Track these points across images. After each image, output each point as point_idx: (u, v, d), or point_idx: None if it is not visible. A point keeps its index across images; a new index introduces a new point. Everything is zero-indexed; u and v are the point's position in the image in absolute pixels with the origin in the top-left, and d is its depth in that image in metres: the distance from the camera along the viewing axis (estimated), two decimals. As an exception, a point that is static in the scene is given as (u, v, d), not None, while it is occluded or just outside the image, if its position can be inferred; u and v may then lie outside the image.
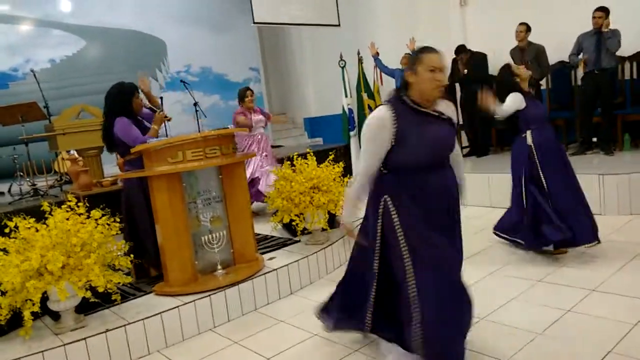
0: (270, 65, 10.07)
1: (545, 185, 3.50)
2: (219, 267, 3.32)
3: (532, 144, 3.55)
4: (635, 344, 2.29)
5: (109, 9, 8.07)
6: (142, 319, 2.81)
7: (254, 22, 7.11)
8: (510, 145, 3.81)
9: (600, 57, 5.37)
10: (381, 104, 2.17)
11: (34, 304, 2.55)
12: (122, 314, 2.90)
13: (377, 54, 7.13)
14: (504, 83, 3.67)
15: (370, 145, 2.12)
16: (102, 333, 2.68)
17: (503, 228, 3.83)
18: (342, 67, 7.49)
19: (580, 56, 5.52)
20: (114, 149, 3.57)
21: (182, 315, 2.94)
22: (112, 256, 2.81)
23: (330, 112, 8.65)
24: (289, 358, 2.59)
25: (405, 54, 6.88)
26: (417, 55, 2.13)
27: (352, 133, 7.43)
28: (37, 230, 2.66)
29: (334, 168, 3.91)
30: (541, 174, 3.51)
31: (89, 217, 2.78)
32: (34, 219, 2.70)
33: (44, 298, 2.67)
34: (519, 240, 3.69)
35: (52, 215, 2.71)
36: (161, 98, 5.76)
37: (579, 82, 5.95)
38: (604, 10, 5.28)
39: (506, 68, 3.69)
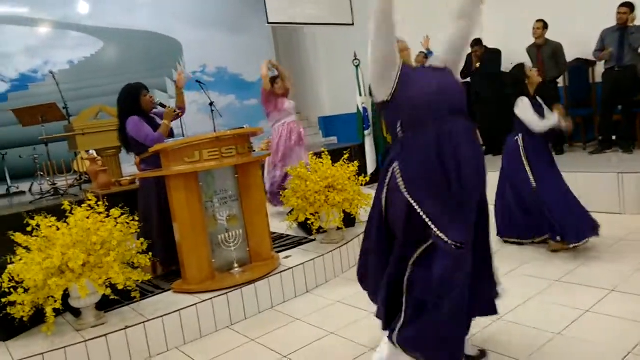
0: (284, 65, 10.02)
1: (534, 185, 3.59)
2: (236, 265, 3.35)
3: (521, 145, 3.66)
4: (656, 344, 2.26)
5: (126, 10, 8.18)
6: (161, 316, 2.85)
7: (268, 22, 7.14)
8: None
9: (623, 54, 5.27)
10: None
11: (55, 301, 2.60)
12: (141, 311, 2.95)
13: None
14: (513, 81, 3.71)
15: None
16: (121, 330, 2.73)
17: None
18: (357, 66, 7.49)
19: (604, 54, 5.39)
20: (129, 148, 3.63)
21: (200, 313, 2.98)
22: (131, 254, 2.86)
23: (344, 111, 8.65)
24: (305, 356, 2.61)
25: (420, 52, 6.86)
26: None
27: (366, 132, 7.42)
28: (58, 229, 2.71)
29: (348, 167, 3.92)
30: (530, 174, 3.60)
31: (108, 215, 2.83)
32: (55, 218, 2.75)
33: (65, 295, 2.73)
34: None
35: (72, 214, 2.77)
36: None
37: (597, 80, 5.87)
38: (629, 6, 5.19)
39: (520, 67, 3.69)
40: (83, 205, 2.82)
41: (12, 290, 2.59)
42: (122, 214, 2.87)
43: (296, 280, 3.43)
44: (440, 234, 1.91)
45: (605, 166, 4.77)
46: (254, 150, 3.94)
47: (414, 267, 2.02)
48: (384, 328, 2.15)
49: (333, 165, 3.88)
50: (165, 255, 3.43)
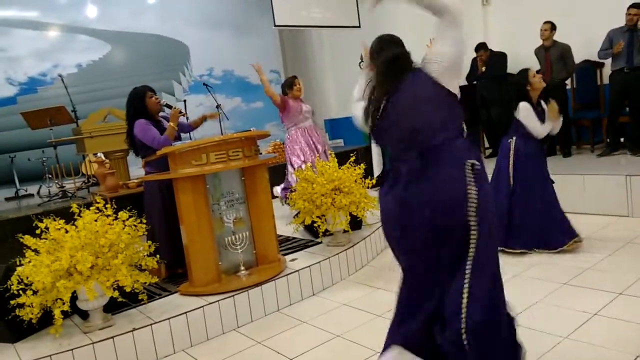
0: (291, 67, 10.12)
1: (511, 186, 3.66)
2: (242, 267, 3.36)
3: (513, 149, 3.68)
4: (665, 348, 2.24)
5: (133, 14, 8.25)
6: (168, 319, 2.86)
7: (275, 25, 7.16)
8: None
9: (633, 55, 5.22)
10: None
11: (64, 303, 2.62)
12: (149, 314, 2.96)
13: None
14: (516, 86, 3.71)
15: None
16: (129, 332, 2.74)
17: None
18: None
19: (616, 46, 5.29)
20: (138, 152, 3.65)
21: (207, 315, 2.99)
22: (139, 256, 2.87)
23: (351, 113, 8.63)
24: (311, 359, 2.61)
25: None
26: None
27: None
28: (66, 232, 2.73)
29: (355, 170, 3.92)
30: (511, 176, 3.66)
31: (116, 218, 2.85)
32: (63, 221, 2.78)
33: (73, 297, 2.75)
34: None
35: (81, 216, 2.79)
36: (184, 101, 5.86)
37: (605, 81, 5.83)
38: (638, 7, 5.14)
39: (523, 72, 3.69)
40: (91, 208, 2.84)
41: (20, 292, 2.61)
42: (130, 217, 2.88)
43: (302, 283, 3.44)
44: None
45: (613, 168, 4.74)
46: (261, 153, 3.95)
47: None
48: None
49: (339, 168, 3.88)
50: (170, 257, 3.44)
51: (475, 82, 6.81)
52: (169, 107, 3.68)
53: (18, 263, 2.74)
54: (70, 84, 6.72)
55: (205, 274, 3.24)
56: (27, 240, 2.70)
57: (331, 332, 2.84)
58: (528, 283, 3.21)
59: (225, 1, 9.10)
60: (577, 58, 5.88)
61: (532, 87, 3.60)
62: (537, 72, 4.01)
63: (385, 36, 2.08)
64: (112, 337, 2.70)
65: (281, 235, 4.26)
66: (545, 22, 5.79)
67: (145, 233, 3.02)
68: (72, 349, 2.61)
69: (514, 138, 3.70)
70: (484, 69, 6.46)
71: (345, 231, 3.89)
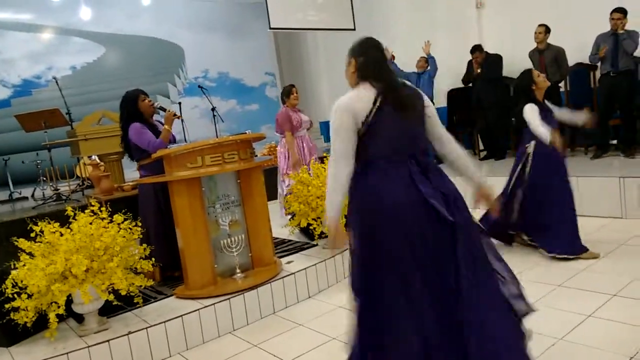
0: (286, 70, 10.14)
1: (526, 193, 3.62)
2: (238, 270, 3.36)
3: (530, 153, 3.62)
4: (659, 349, 2.26)
5: (128, 16, 8.24)
6: (164, 322, 2.86)
7: (270, 28, 7.18)
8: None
9: (618, 59, 5.29)
10: None
11: (59, 307, 2.60)
12: (144, 317, 2.95)
13: (393, 57, 7.14)
14: (521, 87, 3.70)
15: None
16: (124, 335, 2.73)
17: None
18: (358, 71, 7.51)
19: (600, 50, 5.38)
20: (132, 156, 3.65)
21: (203, 318, 2.98)
22: (134, 259, 2.86)
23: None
24: (307, 361, 2.61)
25: (421, 57, 6.89)
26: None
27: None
28: (61, 235, 2.72)
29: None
30: (526, 182, 3.62)
31: (111, 221, 2.84)
32: (58, 224, 2.76)
33: (69, 301, 2.74)
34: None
35: (75, 219, 2.78)
36: (179, 103, 5.86)
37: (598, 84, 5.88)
38: (622, 12, 5.21)
39: (527, 73, 3.69)
40: (86, 211, 2.83)
41: (15, 296, 2.59)
42: (125, 220, 2.88)
43: (298, 285, 3.44)
44: None
45: (606, 171, 4.77)
46: (256, 156, 3.95)
47: None
48: None
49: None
50: (165, 260, 3.43)
51: (470, 84, 6.84)
52: (163, 109, 3.66)
53: (13, 266, 2.72)
54: (65, 86, 6.70)
55: (201, 276, 3.23)
56: (22, 243, 2.69)
57: (327, 335, 2.84)
58: (524, 285, 3.22)
59: (220, 3, 9.11)
60: (571, 61, 5.92)
61: (537, 87, 3.60)
62: None
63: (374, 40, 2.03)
64: (108, 341, 2.69)
65: (277, 238, 4.26)
66: (540, 25, 5.84)
67: (140, 236, 3.01)
68: (67, 353, 2.60)
69: (532, 142, 3.62)
70: (479, 70, 6.50)
71: (341, 233, 3.88)
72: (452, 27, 7.45)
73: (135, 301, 2.86)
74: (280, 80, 9.90)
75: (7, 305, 2.60)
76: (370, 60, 1.93)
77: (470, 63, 6.66)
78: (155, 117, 3.76)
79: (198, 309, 2.98)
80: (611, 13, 5.26)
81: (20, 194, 6.67)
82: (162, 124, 3.64)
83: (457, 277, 1.79)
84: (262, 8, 7.16)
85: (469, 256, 1.83)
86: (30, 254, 2.68)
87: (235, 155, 3.35)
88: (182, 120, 3.80)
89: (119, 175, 5.74)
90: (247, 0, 9.11)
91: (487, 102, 6.46)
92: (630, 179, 4.36)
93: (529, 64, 6.04)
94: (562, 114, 3.74)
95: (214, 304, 3.04)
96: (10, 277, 2.65)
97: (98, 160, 5.68)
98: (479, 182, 2.10)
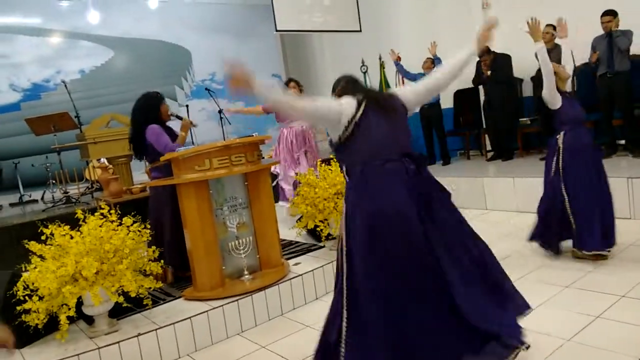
0: (292, 71, 10.16)
1: (564, 187, 3.48)
2: (246, 272, 3.38)
3: (561, 146, 3.54)
4: (667, 351, 2.25)
5: (135, 20, 8.30)
6: (173, 323, 2.88)
7: (277, 30, 7.20)
8: (535, 147, 3.79)
9: (613, 60, 5.34)
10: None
11: (69, 309, 2.64)
12: (153, 318, 2.98)
13: (399, 59, 7.14)
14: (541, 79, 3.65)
15: None
16: (134, 337, 2.76)
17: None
18: (364, 73, 7.52)
19: (592, 56, 5.51)
20: (142, 156, 3.69)
21: (211, 320, 3.00)
22: (143, 262, 2.89)
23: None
24: (315, 363, 2.62)
25: (427, 58, 6.89)
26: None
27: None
28: (71, 237, 2.75)
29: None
30: (561, 176, 3.50)
31: (120, 224, 2.88)
32: (68, 227, 2.80)
33: (79, 303, 2.77)
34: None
35: (85, 222, 2.81)
36: (187, 106, 5.90)
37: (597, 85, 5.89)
38: (611, 14, 5.30)
39: None
40: (96, 214, 2.86)
41: (27, 298, 2.63)
42: (134, 222, 2.91)
43: (306, 287, 3.45)
44: None
45: (614, 171, 4.74)
46: (263, 157, 3.98)
47: None
48: None
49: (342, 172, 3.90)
50: (178, 262, 3.47)
51: (480, 85, 6.83)
52: (179, 118, 3.77)
53: (24, 269, 2.76)
54: (74, 89, 6.77)
55: (209, 278, 3.26)
56: (33, 246, 2.73)
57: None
58: (531, 286, 3.22)
59: (227, 6, 9.15)
60: (577, 60, 5.89)
61: (559, 77, 3.58)
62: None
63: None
64: (118, 342, 2.72)
65: (284, 240, 4.27)
66: (547, 25, 5.82)
67: (149, 238, 3.04)
68: (77, 354, 2.63)
69: (561, 133, 3.56)
70: (489, 73, 6.46)
71: (348, 235, 3.89)
72: (458, 28, 7.43)
73: (144, 303, 2.89)
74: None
75: (18, 307, 2.63)
76: (345, 84, 2.18)
77: (478, 64, 6.64)
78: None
79: (207, 311, 3.01)
80: (601, 17, 5.35)
81: (30, 196, 6.74)
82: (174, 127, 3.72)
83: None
84: (268, 10, 7.19)
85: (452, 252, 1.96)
86: (41, 257, 2.71)
87: (242, 158, 3.38)
88: (190, 122, 3.85)
89: (128, 178, 5.79)
90: (253, 2, 9.15)
91: (497, 102, 6.45)
92: (638, 180, 4.34)
93: (536, 65, 6.03)
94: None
95: (222, 305, 3.06)
96: (21, 279, 2.69)
97: (107, 163, 5.73)
98: (476, 41, 2.28)
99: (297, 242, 4.29)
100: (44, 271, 2.63)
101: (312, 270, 3.52)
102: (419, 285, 1.88)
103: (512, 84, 6.56)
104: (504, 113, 6.37)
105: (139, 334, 2.78)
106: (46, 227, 2.76)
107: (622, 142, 5.69)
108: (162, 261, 3.00)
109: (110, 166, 5.65)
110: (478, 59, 6.58)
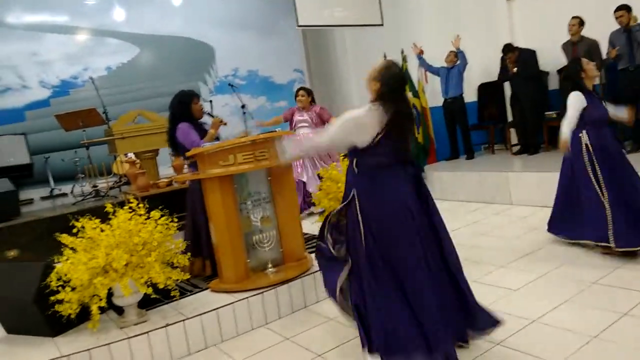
0: (314, 66, 10.18)
1: (602, 183, 3.44)
2: (270, 265, 3.43)
3: (588, 143, 3.51)
4: (697, 348, 2.22)
5: (160, 17, 8.42)
6: (199, 315, 2.95)
7: (298, 25, 7.22)
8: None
9: (633, 54, 5.27)
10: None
11: (100, 299, 2.71)
12: (181, 310, 3.05)
13: (422, 52, 7.09)
14: (569, 76, 3.63)
15: None
16: (162, 327, 2.83)
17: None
18: (387, 67, 7.47)
19: (610, 51, 5.46)
20: (178, 152, 3.78)
21: (237, 312, 3.06)
22: (171, 254, 2.96)
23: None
24: (338, 355, 2.66)
25: (450, 51, 6.82)
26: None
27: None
28: (102, 231, 2.83)
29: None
30: (599, 173, 3.45)
31: (148, 217, 2.95)
32: (99, 220, 2.88)
33: (109, 294, 2.84)
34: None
35: (115, 216, 2.89)
36: (210, 101, 5.98)
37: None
38: (625, 8, 5.24)
39: (576, 62, 3.63)
40: (125, 208, 2.94)
41: (60, 289, 2.72)
42: (162, 216, 2.97)
43: (329, 280, 3.47)
44: None
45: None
46: (286, 152, 4.03)
47: None
48: None
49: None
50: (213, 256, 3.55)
51: (505, 82, 6.74)
52: (211, 116, 3.87)
53: (57, 261, 2.86)
54: (101, 86, 6.92)
55: (235, 271, 3.31)
56: (65, 239, 2.81)
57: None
58: (556, 282, 3.20)
59: (249, 3, 9.20)
60: (605, 54, 5.77)
61: (586, 75, 3.54)
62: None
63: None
64: (147, 332, 2.79)
65: (307, 234, 4.31)
66: (574, 17, 5.72)
67: (177, 231, 3.10)
68: (108, 344, 2.71)
69: (583, 131, 3.54)
70: (515, 69, 6.34)
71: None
72: (481, 21, 7.34)
73: (172, 294, 2.96)
74: (309, 77, 9.95)
75: (52, 298, 2.72)
76: (387, 90, 2.39)
77: (503, 60, 6.54)
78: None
79: (232, 303, 3.06)
80: (615, 12, 5.29)
81: (60, 190, 6.93)
82: (208, 125, 3.81)
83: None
84: (290, 6, 7.21)
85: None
86: (73, 249, 2.79)
87: (266, 153, 3.42)
88: (220, 120, 3.90)
89: (154, 172, 5.91)
90: (275, -2, 9.19)
91: (524, 97, 6.34)
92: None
93: (562, 57, 5.92)
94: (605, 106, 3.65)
95: (247, 297, 3.12)
96: (54, 270, 2.78)
97: (134, 158, 5.87)
98: None
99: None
100: (76, 263, 2.71)
101: (335, 264, 3.53)
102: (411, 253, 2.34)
103: (538, 79, 6.45)
104: (531, 107, 6.27)
105: (167, 325, 2.85)
106: (77, 220, 2.85)
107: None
108: (188, 253, 3.05)
109: (138, 161, 5.78)
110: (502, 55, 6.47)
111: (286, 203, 3.59)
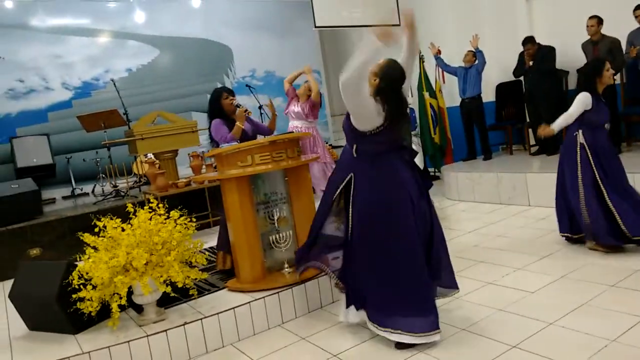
0: (331, 67, 10.19)
1: (600, 183, 3.51)
2: (286, 265, 3.46)
3: (584, 143, 3.56)
4: None
5: (179, 19, 8.53)
6: (217, 313, 2.99)
7: (316, 26, 7.25)
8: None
9: None
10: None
11: (121, 298, 2.77)
12: (199, 308, 3.10)
13: (439, 52, 7.06)
14: (585, 74, 3.64)
15: None
16: (181, 326, 2.88)
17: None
18: (404, 67, 7.45)
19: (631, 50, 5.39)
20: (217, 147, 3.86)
21: (253, 311, 3.10)
22: (190, 253, 3.01)
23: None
24: (353, 356, 2.67)
25: (469, 51, 6.77)
26: None
27: (413, 132, 7.38)
28: (122, 230, 2.90)
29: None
30: (595, 172, 3.52)
31: (168, 217, 3.00)
32: (120, 220, 2.95)
33: (129, 292, 2.91)
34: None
35: (135, 215, 2.95)
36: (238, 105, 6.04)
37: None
38: None
39: (598, 62, 3.63)
40: (145, 208, 2.99)
41: (81, 287, 2.78)
42: (181, 216, 3.02)
43: (345, 281, 3.49)
44: None
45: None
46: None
47: None
48: None
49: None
50: None
51: (522, 77, 6.66)
52: (239, 107, 3.89)
53: (78, 259, 2.93)
54: (122, 87, 7.04)
55: (251, 271, 3.35)
56: (87, 238, 2.87)
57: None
58: (574, 285, 3.16)
59: (267, 4, 9.26)
60: (625, 53, 5.67)
61: (601, 80, 3.54)
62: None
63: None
64: (165, 331, 2.84)
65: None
66: (591, 18, 5.60)
67: (196, 231, 3.14)
68: (128, 341, 2.76)
69: (579, 131, 3.58)
70: (531, 63, 6.28)
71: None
72: (500, 20, 7.27)
73: (190, 293, 3.00)
74: (326, 78, 9.97)
75: (74, 296, 2.78)
76: (384, 86, 2.59)
77: (521, 55, 6.46)
78: None
79: (249, 302, 3.10)
80: (634, 10, 5.23)
81: (81, 190, 7.07)
82: (249, 121, 3.91)
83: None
84: (307, 7, 7.25)
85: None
86: (95, 248, 2.86)
87: (283, 154, 3.44)
88: (244, 110, 3.92)
89: (174, 173, 5.98)
90: (292, -1, 9.23)
91: (539, 95, 6.26)
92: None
93: (582, 56, 5.84)
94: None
95: (263, 297, 3.15)
96: (76, 269, 2.85)
97: (154, 158, 5.95)
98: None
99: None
100: (97, 262, 2.77)
101: (351, 264, 3.55)
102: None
103: (556, 76, 6.36)
104: (547, 106, 6.19)
105: (185, 323, 2.90)
106: (99, 219, 2.91)
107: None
108: (206, 253, 3.10)
109: (157, 161, 5.86)
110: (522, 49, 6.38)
111: (303, 203, 3.61)
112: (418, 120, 7.44)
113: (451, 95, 7.45)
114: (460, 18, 7.63)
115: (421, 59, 7.46)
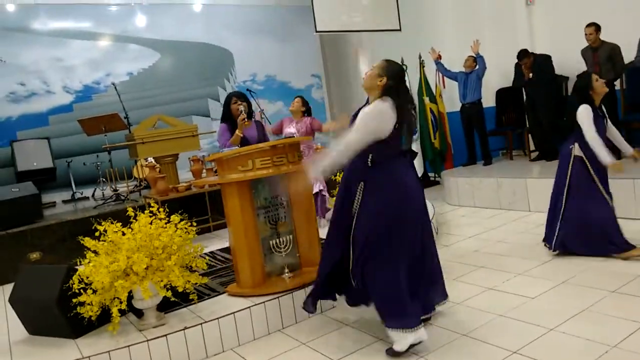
0: (331, 71, 10.22)
1: (602, 191, 3.62)
2: (286, 270, 3.45)
3: (581, 155, 3.60)
4: None
5: (181, 23, 8.55)
6: (217, 318, 2.98)
7: (317, 31, 7.27)
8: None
9: None
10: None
11: (121, 302, 2.76)
12: (199, 313, 3.09)
13: (440, 57, 7.08)
14: (578, 88, 3.67)
15: None
16: (181, 330, 2.87)
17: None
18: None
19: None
20: None
21: (253, 316, 3.09)
22: (190, 258, 3.01)
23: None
24: (354, 361, 2.67)
25: (469, 56, 6.80)
26: None
27: (414, 137, 7.38)
28: (123, 234, 2.89)
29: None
30: (597, 182, 3.60)
31: (168, 221, 3.00)
32: (120, 224, 2.95)
33: (129, 297, 2.90)
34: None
35: (136, 220, 2.95)
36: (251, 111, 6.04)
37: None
38: None
39: (585, 77, 3.67)
40: (146, 212, 2.99)
41: (81, 291, 2.77)
42: (181, 220, 3.03)
43: (345, 286, 3.49)
44: None
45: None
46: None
47: None
48: None
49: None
50: None
51: (522, 87, 6.68)
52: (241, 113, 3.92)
53: (79, 263, 2.93)
54: (123, 91, 7.04)
55: (251, 275, 3.35)
56: (87, 242, 2.86)
57: (373, 335, 2.89)
58: (574, 291, 3.16)
59: (268, 9, 9.30)
60: (627, 58, 5.69)
61: (594, 92, 3.58)
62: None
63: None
64: (165, 335, 2.83)
65: (324, 239, 4.31)
66: (588, 26, 5.60)
67: (196, 236, 3.14)
68: (128, 346, 2.75)
69: (575, 143, 3.64)
70: (530, 75, 6.29)
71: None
72: (501, 26, 7.29)
73: (190, 298, 3.00)
74: (326, 82, 10.00)
75: (74, 300, 2.77)
76: (393, 83, 2.62)
77: (517, 66, 6.47)
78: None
79: (249, 307, 3.09)
80: None
81: (82, 194, 7.06)
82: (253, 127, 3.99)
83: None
84: (308, 11, 7.27)
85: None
86: (95, 252, 2.85)
87: (283, 159, 3.45)
88: (242, 119, 3.93)
89: (174, 177, 5.99)
90: (293, 4, 9.25)
91: (539, 101, 6.28)
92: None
93: (582, 62, 5.86)
94: (612, 132, 3.71)
95: (263, 302, 3.14)
96: (77, 273, 2.84)
97: (154, 162, 5.95)
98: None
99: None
100: (98, 266, 2.76)
101: (352, 269, 3.54)
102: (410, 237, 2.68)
103: (555, 84, 6.38)
104: (546, 112, 6.21)
105: (186, 328, 2.89)
106: (99, 223, 2.91)
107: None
108: (207, 257, 3.10)
109: (158, 165, 5.87)
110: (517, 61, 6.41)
111: (303, 208, 3.61)
112: (418, 125, 7.44)
113: (451, 100, 7.47)
114: (461, 23, 7.66)
115: (422, 64, 7.49)
